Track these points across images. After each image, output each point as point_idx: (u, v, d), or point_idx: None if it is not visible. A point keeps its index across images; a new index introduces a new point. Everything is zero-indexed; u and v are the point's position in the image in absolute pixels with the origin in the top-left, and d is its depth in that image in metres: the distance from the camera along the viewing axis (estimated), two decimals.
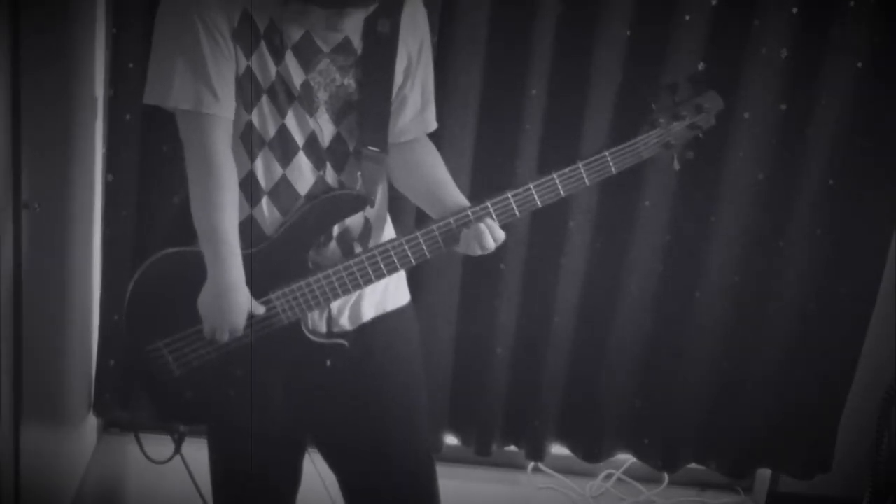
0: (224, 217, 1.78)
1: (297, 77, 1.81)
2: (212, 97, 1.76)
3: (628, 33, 2.55)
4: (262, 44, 1.78)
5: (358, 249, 1.91)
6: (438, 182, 1.95)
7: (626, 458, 3.04)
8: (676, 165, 1.97)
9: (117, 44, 2.51)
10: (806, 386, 2.85)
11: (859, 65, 2.55)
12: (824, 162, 2.64)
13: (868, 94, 2.58)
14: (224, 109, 1.78)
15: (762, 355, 2.82)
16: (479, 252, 1.86)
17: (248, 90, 1.80)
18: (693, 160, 2.65)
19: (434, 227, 1.85)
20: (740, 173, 2.65)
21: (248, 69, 1.79)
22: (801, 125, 2.61)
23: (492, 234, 1.85)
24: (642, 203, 2.69)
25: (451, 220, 1.85)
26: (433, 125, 2.01)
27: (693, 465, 3.01)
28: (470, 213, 1.85)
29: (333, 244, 1.91)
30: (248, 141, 1.83)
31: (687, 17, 2.51)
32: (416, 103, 1.96)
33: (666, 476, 3.04)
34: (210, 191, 1.78)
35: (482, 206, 1.85)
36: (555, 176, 1.86)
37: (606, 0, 2.50)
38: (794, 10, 2.52)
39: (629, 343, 2.83)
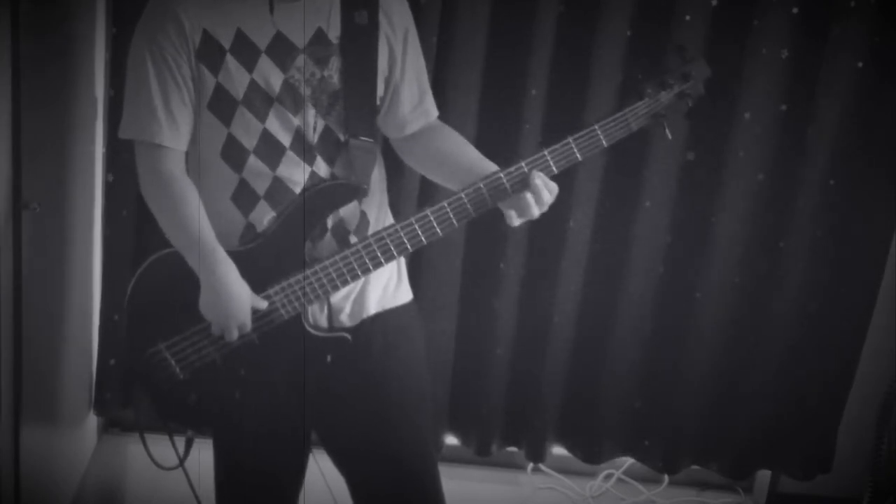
0: (194, 228, 1.82)
1: (275, 78, 1.82)
2: (158, 128, 1.81)
3: (629, 33, 2.55)
4: (228, 58, 1.80)
5: (354, 240, 1.90)
6: (470, 166, 1.91)
7: (626, 459, 3.04)
8: (669, 136, 1.92)
9: (117, 44, 2.51)
10: (806, 386, 2.84)
11: (859, 65, 2.55)
12: (824, 162, 2.64)
13: (868, 94, 2.57)
14: (170, 140, 1.83)
15: (762, 356, 2.82)
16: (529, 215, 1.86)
17: (222, 106, 1.83)
18: (693, 161, 2.69)
19: (428, 211, 1.83)
20: (740, 174, 2.65)
21: (219, 85, 1.81)
22: (801, 125, 2.61)
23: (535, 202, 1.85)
24: (642, 204, 2.68)
25: (445, 202, 1.83)
26: (435, 112, 2.01)
27: (693, 466, 3.01)
28: (463, 195, 1.82)
29: (329, 236, 1.90)
30: (232, 153, 1.85)
31: (687, 17, 2.51)
32: (412, 94, 1.96)
33: (666, 476, 3.04)
34: (172, 211, 1.84)
35: (471, 188, 1.83)
36: (546, 152, 1.84)
37: (607, 0, 2.50)
38: (794, 10, 2.52)
39: (629, 344, 2.82)
